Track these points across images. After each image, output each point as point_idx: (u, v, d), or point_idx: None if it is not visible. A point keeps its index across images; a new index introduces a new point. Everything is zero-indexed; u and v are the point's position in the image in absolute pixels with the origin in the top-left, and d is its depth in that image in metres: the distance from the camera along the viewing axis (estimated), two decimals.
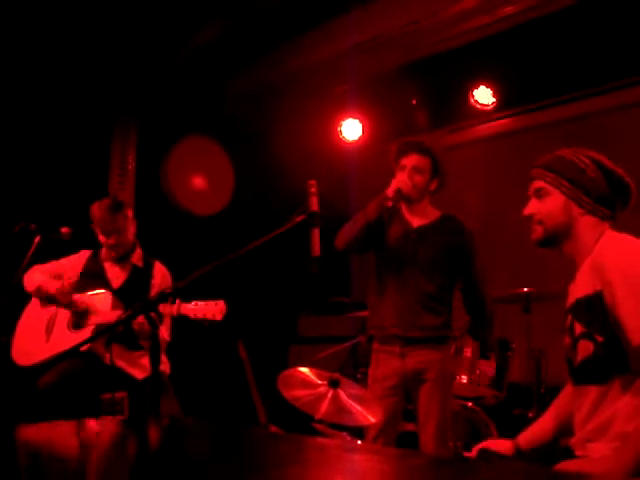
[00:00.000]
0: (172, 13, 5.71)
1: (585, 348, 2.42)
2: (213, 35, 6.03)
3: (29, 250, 4.01)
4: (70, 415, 3.77)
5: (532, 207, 2.64)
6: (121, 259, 4.26)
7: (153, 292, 4.09)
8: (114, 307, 3.97)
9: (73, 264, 4.30)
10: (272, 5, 5.65)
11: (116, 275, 4.25)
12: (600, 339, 2.37)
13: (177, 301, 3.63)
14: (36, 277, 4.17)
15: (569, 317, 2.54)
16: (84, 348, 3.86)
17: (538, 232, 2.62)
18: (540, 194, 2.61)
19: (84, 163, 6.07)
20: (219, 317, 3.54)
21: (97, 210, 4.17)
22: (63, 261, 4.33)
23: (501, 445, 2.77)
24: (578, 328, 2.46)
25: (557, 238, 2.59)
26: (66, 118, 5.98)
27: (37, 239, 4.02)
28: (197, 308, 3.56)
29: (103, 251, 4.32)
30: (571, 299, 2.56)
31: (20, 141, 5.74)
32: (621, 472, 2.18)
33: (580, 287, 2.49)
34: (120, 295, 4.08)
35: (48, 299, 4.12)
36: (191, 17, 5.79)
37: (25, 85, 5.70)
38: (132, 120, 6.52)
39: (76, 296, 4.10)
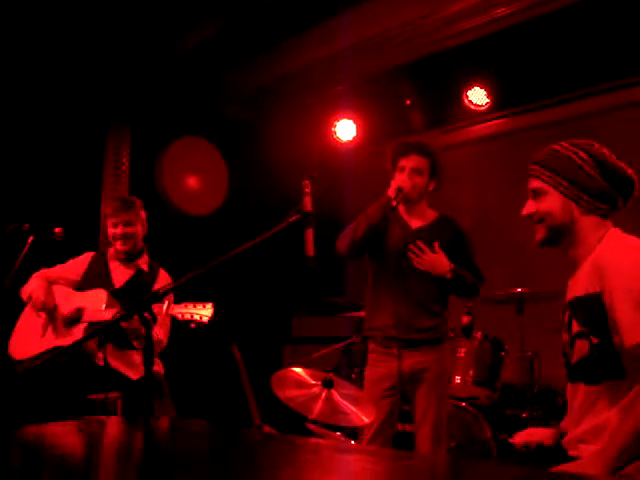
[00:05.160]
0: (168, 12, 5.70)
1: (581, 348, 2.43)
2: (208, 35, 6.02)
3: (22, 250, 4.00)
4: (61, 415, 3.77)
5: (530, 207, 2.60)
6: (128, 259, 4.27)
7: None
8: (108, 305, 3.96)
9: (77, 266, 4.32)
10: (267, 5, 5.65)
11: (120, 274, 4.26)
12: (595, 341, 2.38)
13: (166, 301, 3.62)
14: (32, 285, 4.16)
15: (567, 313, 2.54)
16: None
17: (541, 232, 2.58)
18: (537, 193, 2.57)
19: (78, 163, 6.06)
20: (206, 320, 3.54)
21: (110, 203, 4.26)
22: (68, 263, 4.35)
23: (540, 434, 2.74)
24: (575, 326, 2.46)
25: (560, 237, 2.55)
26: (60, 118, 5.96)
27: (30, 239, 4.01)
28: (186, 310, 3.57)
29: (110, 250, 4.33)
30: (570, 295, 2.55)
31: (13, 141, 5.72)
32: (605, 469, 2.19)
33: (580, 285, 2.48)
34: (120, 294, 4.08)
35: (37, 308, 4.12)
36: (186, 17, 5.79)
37: (18, 83, 5.68)
38: (126, 120, 6.51)
39: (67, 292, 4.11)
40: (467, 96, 6.13)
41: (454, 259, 3.87)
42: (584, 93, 6.12)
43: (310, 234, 2.71)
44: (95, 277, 4.23)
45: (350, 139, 6.78)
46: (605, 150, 2.54)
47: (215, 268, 2.65)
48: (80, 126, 6.12)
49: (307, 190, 2.79)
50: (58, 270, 4.30)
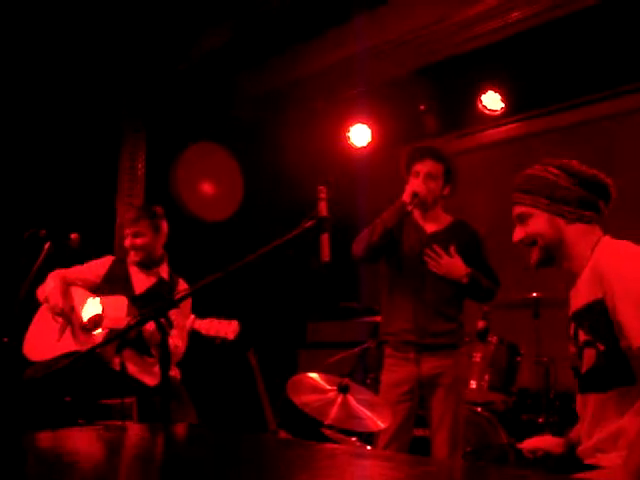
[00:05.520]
0: (181, 18, 5.72)
1: (589, 357, 2.43)
2: (222, 40, 6.04)
3: (39, 256, 4.02)
4: (77, 420, 3.79)
5: (519, 233, 2.64)
6: (146, 266, 4.27)
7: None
8: (129, 313, 3.97)
9: (97, 268, 4.31)
10: (281, 9, 5.66)
11: (141, 281, 4.25)
12: (602, 347, 2.38)
13: (192, 316, 3.63)
14: (49, 286, 4.15)
15: (572, 325, 2.54)
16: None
17: (535, 254, 2.61)
18: (522, 218, 2.61)
19: (94, 169, 6.09)
20: (231, 336, 3.53)
21: (128, 212, 4.25)
22: (88, 265, 4.34)
23: (549, 441, 2.76)
24: (582, 336, 2.46)
25: (553, 254, 2.58)
26: (76, 125, 6.00)
27: (47, 245, 4.03)
28: (211, 325, 3.57)
29: (130, 255, 4.33)
30: (573, 307, 2.56)
31: (30, 148, 5.76)
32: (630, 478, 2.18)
33: (581, 295, 2.49)
34: (140, 302, 4.08)
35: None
36: (200, 21, 5.81)
37: (35, 92, 5.72)
38: (141, 126, 6.54)
39: (85, 294, 4.13)
40: (481, 100, 6.12)
41: (469, 263, 3.87)
42: (599, 97, 6.09)
43: (326, 239, 2.71)
44: (116, 281, 4.23)
45: (365, 144, 6.77)
46: (574, 162, 2.59)
47: (231, 274, 2.65)
48: (96, 133, 6.16)
49: (322, 195, 2.79)
50: (76, 271, 4.28)
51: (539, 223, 2.56)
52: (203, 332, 3.53)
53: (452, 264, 3.83)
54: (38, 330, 4.16)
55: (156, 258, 4.32)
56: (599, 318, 2.38)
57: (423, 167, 3.89)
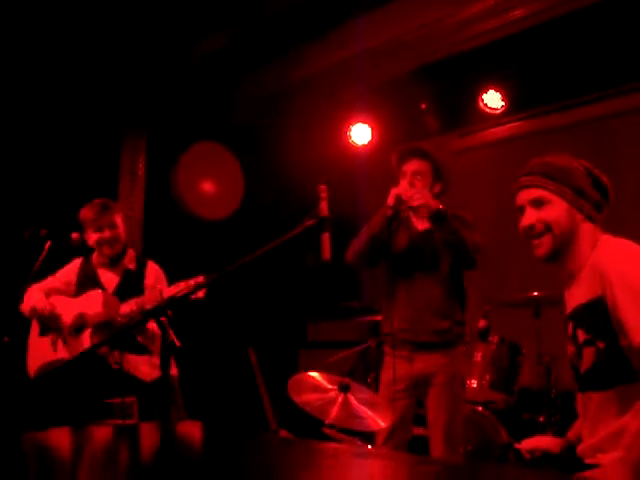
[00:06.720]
0: (181, 20, 5.72)
1: (589, 356, 2.42)
2: (222, 41, 6.04)
3: (40, 256, 4.02)
4: (79, 419, 3.79)
5: (531, 217, 2.55)
6: (113, 262, 4.22)
7: (147, 293, 4.05)
8: (106, 304, 3.96)
9: (68, 274, 4.27)
10: (281, 10, 5.66)
11: (109, 279, 4.22)
12: (602, 345, 2.37)
13: (158, 286, 3.64)
14: (32, 298, 4.14)
15: (570, 325, 2.53)
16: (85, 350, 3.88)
17: (546, 243, 2.53)
18: (539, 202, 2.54)
19: (94, 169, 6.09)
20: (201, 295, 3.53)
21: (89, 209, 4.15)
22: (59, 274, 4.28)
23: (547, 441, 2.76)
24: (581, 335, 2.45)
25: (564, 247, 2.52)
26: (76, 124, 6.00)
27: (48, 245, 4.03)
28: (178, 287, 3.60)
29: (94, 256, 4.26)
30: (570, 306, 2.55)
31: (31, 148, 5.76)
32: (630, 475, 2.18)
33: (580, 293, 2.48)
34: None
35: (40, 321, 4.11)
36: (201, 23, 5.81)
37: (36, 93, 5.72)
38: (142, 126, 6.54)
39: (65, 301, 4.12)
40: (482, 99, 6.11)
41: (458, 254, 3.83)
42: (601, 95, 6.08)
43: (326, 239, 2.71)
44: (86, 283, 4.19)
45: (365, 143, 6.76)
46: (587, 163, 2.59)
47: (231, 273, 2.65)
48: (96, 133, 6.16)
49: (323, 195, 2.79)
50: (50, 282, 4.25)
51: (559, 211, 2.51)
52: (177, 296, 3.51)
53: (424, 193, 3.77)
54: (35, 350, 4.14)
55: (122, 250, 4.26)
56: (599, 316, 2.37)
57: (409, 167, 3.91)
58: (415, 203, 3.74)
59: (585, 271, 2.48)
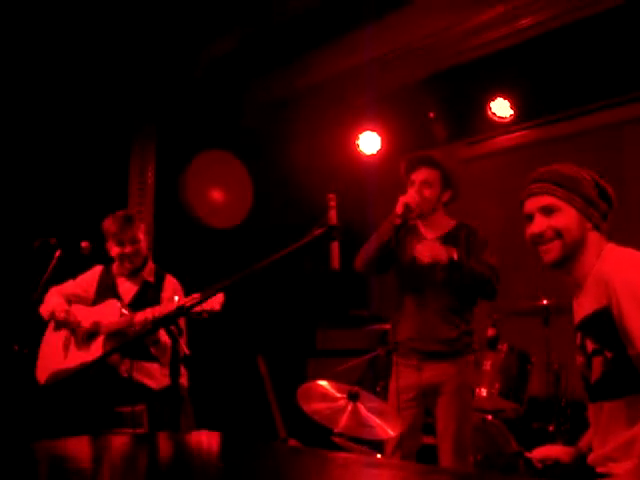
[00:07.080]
0: (190, 26, 5.74)
1: (598, 365, 2.42)
2: (231, 48, 6.06)
3: (49, 264, 4.03)
4: (89, 428, 3.80)
5: (541, 224, 2.55)
6: (133, 273, 4.24)
7: (163, 304, 4.06)
8: (122, 314, 3.99)
9: (88, 281, 4.31)
10: (290, 17, 5.68)
11: (127, 290, 4.24)
12: (610, 355, 2.37)
13: (175, 297, 3.64)
14: (52, 302, 4.17)
15: (579, 335, 2.53)
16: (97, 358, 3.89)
17: (555, 249, 2.52)
18: (549, 210, 2.53)
19: (104, 177, 6.11)
20: (217, 307, 3.54)
21: (112, 221, 4.16)
22: (79, 280, 4.32)
23: (558, 450, 2.75)
24: (590, 345, 2.45)
25: (571, 255, 2.52)
26: (86, 132, 6.03)
27: (58, 253, 4.05)
28: (193, 300, 3.59)
29: (115, 266, 4.29)
30: (578, 316, 2.55)
31: (41, 156, 5.79)
32: None
33: (587, 304, 2.48)
34: (130, 309, 4.09)
35: (60, 324, 4.13)
36: (209, 30, 5.83)
37: (46, 99, 5.75)
38: (151, 134, 6.56)
39: (83, 309, 4.14)
40: (491, 107, 6.11)
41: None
42: (609, 103, 6.07)
43: (335, 247, 2.71)
44: (105, 292, 4.22)
45: (374, 152, 6.76)
46: (594, 173, 2.59)
47: (240, 281, 2.66)
48: (105, 141, 6.18)
49: (332, 203, 2.79)
50: (71, 286, 4.28)
51: (569, 218, 2.51)
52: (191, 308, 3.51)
53: (434, 246, 3.76)
54: (46, 355, 4.17)
55: (143, 262, 4.28)
56: (605, 326, 2.37)
57: (418, 176, 3.91)
58: (426, 260, 3.74)
59: (590, 280, 2.48)
